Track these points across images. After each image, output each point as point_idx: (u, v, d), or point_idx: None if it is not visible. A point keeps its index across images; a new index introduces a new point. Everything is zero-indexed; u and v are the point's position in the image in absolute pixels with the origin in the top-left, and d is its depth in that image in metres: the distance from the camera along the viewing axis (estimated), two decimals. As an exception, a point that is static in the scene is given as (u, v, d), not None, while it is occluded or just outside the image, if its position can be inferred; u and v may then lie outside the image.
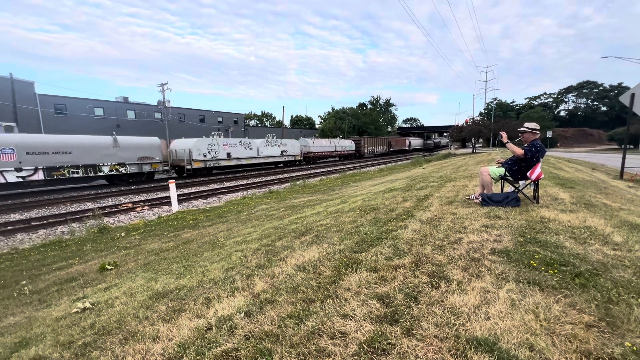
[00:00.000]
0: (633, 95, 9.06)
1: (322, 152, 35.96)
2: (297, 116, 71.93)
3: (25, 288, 3.94)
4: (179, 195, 12.08)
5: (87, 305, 2.85)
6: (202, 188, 15.89)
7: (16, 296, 3.71)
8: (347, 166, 29.29)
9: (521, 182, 4.75)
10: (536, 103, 79.20)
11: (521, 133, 4.63)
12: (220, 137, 22.94)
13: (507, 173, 4.66)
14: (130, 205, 11.54)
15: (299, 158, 31.10)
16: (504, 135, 4.77)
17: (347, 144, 40.87)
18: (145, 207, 11.30)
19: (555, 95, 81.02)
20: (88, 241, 6.60)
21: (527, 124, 4.60)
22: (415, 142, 68.42)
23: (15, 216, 10.35)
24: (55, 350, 2.11)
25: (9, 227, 8.68)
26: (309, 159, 34.06)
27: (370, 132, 64.25)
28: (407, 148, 60.59)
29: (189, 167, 20.28)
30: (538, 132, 4.52)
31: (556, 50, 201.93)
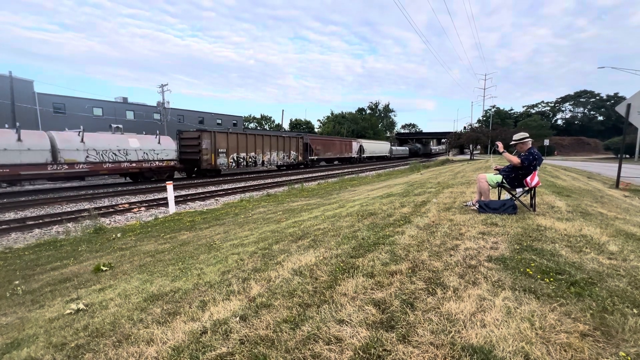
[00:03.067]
0: (629, 105, 9.17)
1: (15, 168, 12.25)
2: (296, 120, 72.07)
3: (19, 288, 3.90)
4: (176, 197, 12.03)
5: (81, 306, 2.82)
6: (200, 190, 15.85)
7: (9, 296, 3.67)
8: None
9: (518, 190, 4.78)
10: (534, 111, 79.98)
11: (514, 146, 4.67)
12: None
13: (504, 180, 4.68)
14: (127, 205, 11.48)
15: None
16: (500, 145, 4.81)
17: (150, 145, 17.79)
18: (142, 208, 11.24)
19: (553, 104, 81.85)
20: (83, 241, 6.55)
21: (515, 136, 4.63)
22: (374, 147, 47.65)
23: (10, 215, 10.26)
24: (47, 352, 2.09)
25: (4, 226, 8.60)
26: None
27: (369, 136, 64.07)
28: (354, 155, 40.14)
29: None
30: (528, 140, 4.55)
31: (552, 59, 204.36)
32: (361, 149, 42.67)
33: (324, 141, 35.36)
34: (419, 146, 73.24)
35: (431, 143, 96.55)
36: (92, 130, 17.30)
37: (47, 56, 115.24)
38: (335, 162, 39.11)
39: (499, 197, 5.29)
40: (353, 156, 40.39)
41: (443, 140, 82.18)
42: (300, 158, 29.35)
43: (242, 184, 18.08)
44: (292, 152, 28.26)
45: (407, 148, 67.10)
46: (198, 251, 4.51)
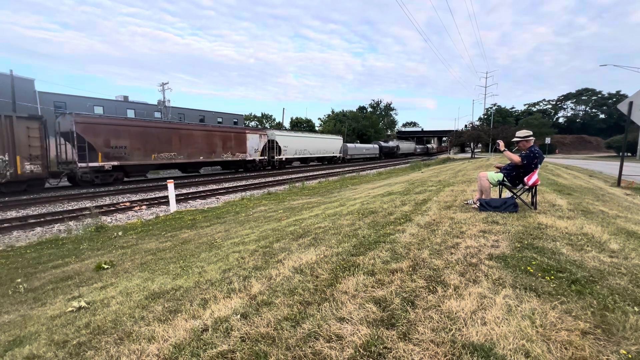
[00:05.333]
0: (631, 103, 9.12)
1: None
2: (297, 118, 72.02)
3: (21, 286, 3.92)
4: (177, 195, 12.05)
5: (83, 304, 2.83)
6: (201, 188, 15.87)
7: (11, 294, 3.69)
8: None
9: (518, 187, 4.78)
10: (535, 109, 79.74)
11: (516, 143, 4.67)
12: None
13: (505, 179, 4.67)
14: (128, 204, 11.50)
15: None
16: (501, 144, 4.80)
17: None
18: (143, 207, 11.26)
19: (554, 102, 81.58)
20: (85, 240, 6.57)
21: (518, 133, 4.64)
22: (306, 144, 31.10)
23: (12, 213, 10.29)
24: (49, 349, 2.10)
25: (6, 225, 8.62)
26: None
27: (369, 135, 63.63)
28: (253, 158, 24.27)
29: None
30: (531, 138, 4.55)
31: (552, 58, 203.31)
32: (275, 148, 26.36)
33: (142, 130, 17.14)
34: (394, 144, 53.30)
35: (432, 141, 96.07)
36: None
37: (47, 55, 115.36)
38: (211, 169, 25.07)
39: (500, 196, 5.28)
40: (251, 159, 23.61)
41: (444, 139, 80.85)
42: (33, 168, 12.95)
43: (243, 183, 18.11)
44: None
45: (377, 146, 47.94)
46: (199, 249, 4.52)
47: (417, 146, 67.74)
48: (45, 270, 4.64)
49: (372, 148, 46.67)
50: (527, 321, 1.77)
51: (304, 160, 33.56)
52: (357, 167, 30.20)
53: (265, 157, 26.12)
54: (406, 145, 60.25)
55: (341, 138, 39.20)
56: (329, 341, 1.73)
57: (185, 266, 3.64)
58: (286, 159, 28.89)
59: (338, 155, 37.66)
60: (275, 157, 27.31)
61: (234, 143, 23.14)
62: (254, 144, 24.97)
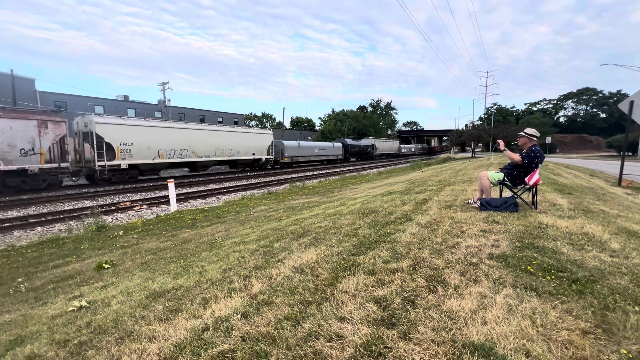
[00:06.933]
0: (632, 102, 9.11)
1: None
2: (297, 117, 72.00)
3: (22, 285, 3.92)
4: (177, 195, 12.06)
5: (84, 303, 2.84)
6: (201, 188, 15.88)
7: (12, 293, 3.70)
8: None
9: (519, 187, 4.78)
10: (536, 109, 79.74)
11: (519, 137, 4.68)
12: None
13: (505, 178, 4.67)
14: (128, 204, 11.51)
15: None
16: (502, 143, 4.81)
17: None
18: (144, 206, 11.26)
19: (555, 102, 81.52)
20: (85, 239, 6.58)
21: (526, 130, 4.64)
22: (170, 140, 17.70)
23: (13, 213, 10.30)
24: (50, 348, 2.10)
25: (7, 224, 8.64)
26: None
27: (370, 134, 63.55)
28: (8, 167, 11.16)
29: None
30: (535, 139, 4.56)
31: (552, 57, 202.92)
32: (102, 146, 15.08)
33: None
34: (368, 143, 43.96)
35: (432, 141, 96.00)
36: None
37: (48, 55, 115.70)
38: None
39: (501, 195, 5.28)
40: (16, 168, 12.52)
41: (445, 138, 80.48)
42: None
43: (244, 182, 18.12)
44: None
45: (340, 145, 37.31)
46: (199, 249, 4.52)
47: (402, 145, 54.87)
48: (46, 270, 4.65)
49: (330, 147, 34.80)
50: (527, 321, 1.77)
51: (193, 167, 20.67)
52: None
53: (67, 163, 14.35)
54: (387, 145, 49.09)
55: (271, 133, 26.43)
56: (329, 341, 1.74)
57: (185, 266, 3.64)
58: (132, 165, 16.46)
59: (265, 157, 25.43)
60: (101, 163, 15.11)
61: None
62: (21, 139, 12.78)
